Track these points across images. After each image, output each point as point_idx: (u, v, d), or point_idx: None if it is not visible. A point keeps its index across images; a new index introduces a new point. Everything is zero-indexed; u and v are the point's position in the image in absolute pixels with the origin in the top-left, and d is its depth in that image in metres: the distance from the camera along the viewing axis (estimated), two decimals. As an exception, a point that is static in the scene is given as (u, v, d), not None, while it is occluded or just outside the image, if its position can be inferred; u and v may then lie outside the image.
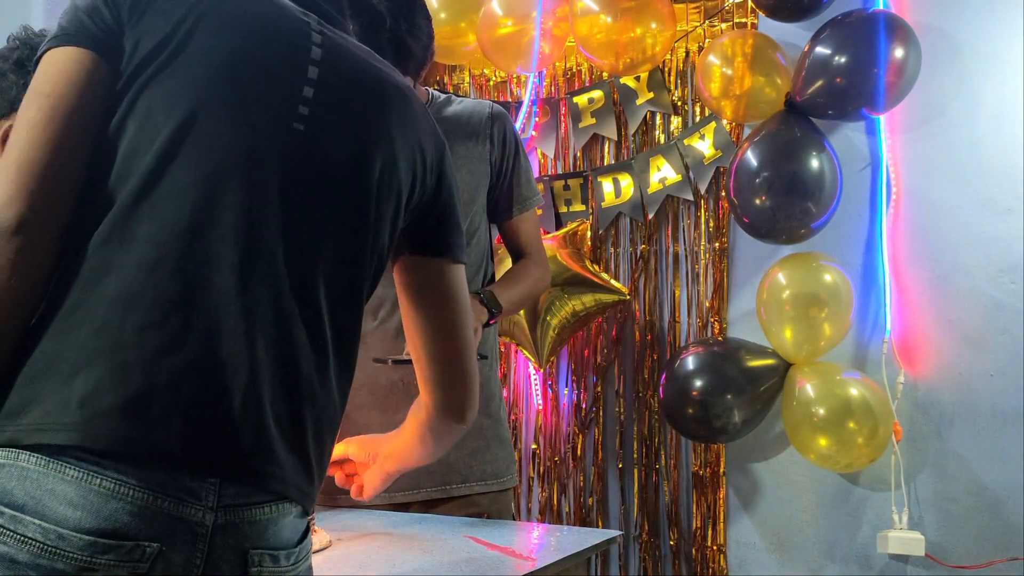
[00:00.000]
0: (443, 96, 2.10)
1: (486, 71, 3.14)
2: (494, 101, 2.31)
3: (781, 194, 2.58)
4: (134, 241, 0.98)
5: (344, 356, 1.13)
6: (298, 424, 1.05)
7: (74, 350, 0.95)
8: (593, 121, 3.00)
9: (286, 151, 1.06)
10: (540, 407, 3.05)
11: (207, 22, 1.06)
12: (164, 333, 0.97)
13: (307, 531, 1.10)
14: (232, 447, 0.99)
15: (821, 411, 2.55)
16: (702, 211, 2.92)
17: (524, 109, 2.98)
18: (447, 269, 1.27)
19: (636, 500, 2.98)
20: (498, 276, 2.16)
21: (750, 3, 2.81)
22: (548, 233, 2.91)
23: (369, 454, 1.52)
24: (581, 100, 3.01)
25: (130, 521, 0.92)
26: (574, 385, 3.04)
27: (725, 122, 2.85)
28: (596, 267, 2.92)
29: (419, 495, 2.04)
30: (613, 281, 2.88)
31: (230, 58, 1.06)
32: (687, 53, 2.94)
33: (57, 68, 1.02)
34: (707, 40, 2.87)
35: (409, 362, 1.86)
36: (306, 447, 1.06)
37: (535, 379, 3.03)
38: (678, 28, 2.82)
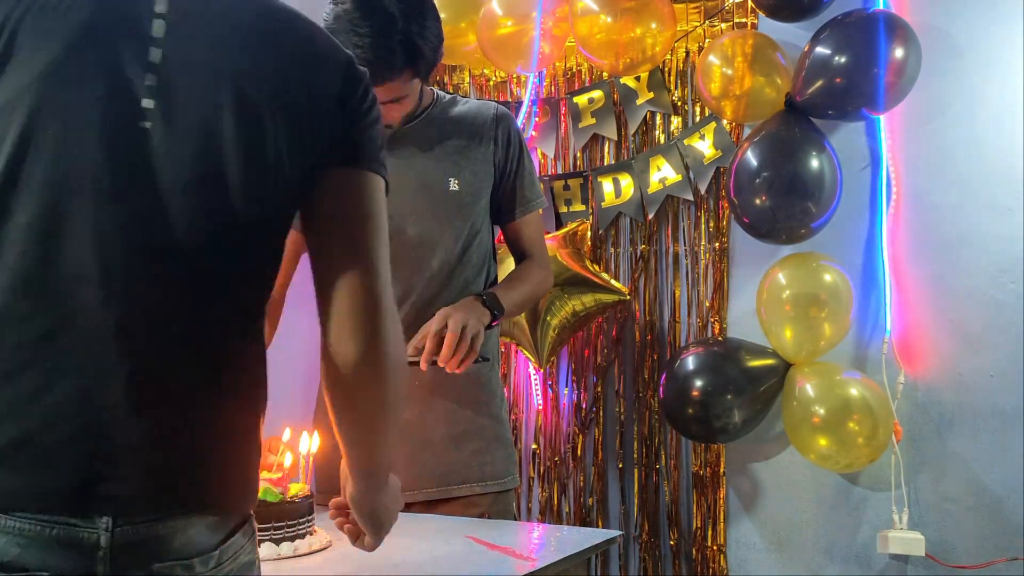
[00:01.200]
0: (448, 97, 2.10)
1: (486, 71, 3.14)
2: (496, 102, 2.31)
3: (781, 194, 2.58)
4: None
5: (236, 349, 1.07)
6: (188, 436, 1.00)
7: None
8: (593, 121, 3.00)
9: (131, 156, 0.97)
10: (540, 407, 3.04)
11: (29, 20, 0.97)
12: (31, 376, 0.94)
13: (235, 530, 1.06)
14: (119, 479, 0.95)
15: (821, 411, 2.55)
16: (702, 211, 2.92)
17: (524, 109, 2.98)
18: (363, 179, 1.12)
19: (636, 500, 2.98)
20: (500, 277, 2.17)
21: (750, 3, 2.81)
22: (548, 233, 2.90)
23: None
24: (581, 100, 3.00)
25: (20, 553, 0.91)
26: (574, 385, 3.04)
27: (725, 122, 2.85)
28: (596, 267, 2.92)
29: (420, 495, 2.04)
30: (613, 281, 2.88)
31: (60, 60, 0.97)
32: (687, 53, 2.93)
33: None
34: (707, 40, 2.87)
35: (413, 364, 1.87)
36: (202, 456, 1.02)
37: (535, 379, 3.03)
38: (678, 28, 2.82)
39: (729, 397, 2.64)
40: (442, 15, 2.81)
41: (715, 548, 2.88)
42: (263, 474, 1.72)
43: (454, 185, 2.01)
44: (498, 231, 2.19)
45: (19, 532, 0.91)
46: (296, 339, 2.13)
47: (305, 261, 2.14)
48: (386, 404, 1.15)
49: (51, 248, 0.95)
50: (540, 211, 2.15)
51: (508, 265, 2.23)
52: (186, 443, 1.00)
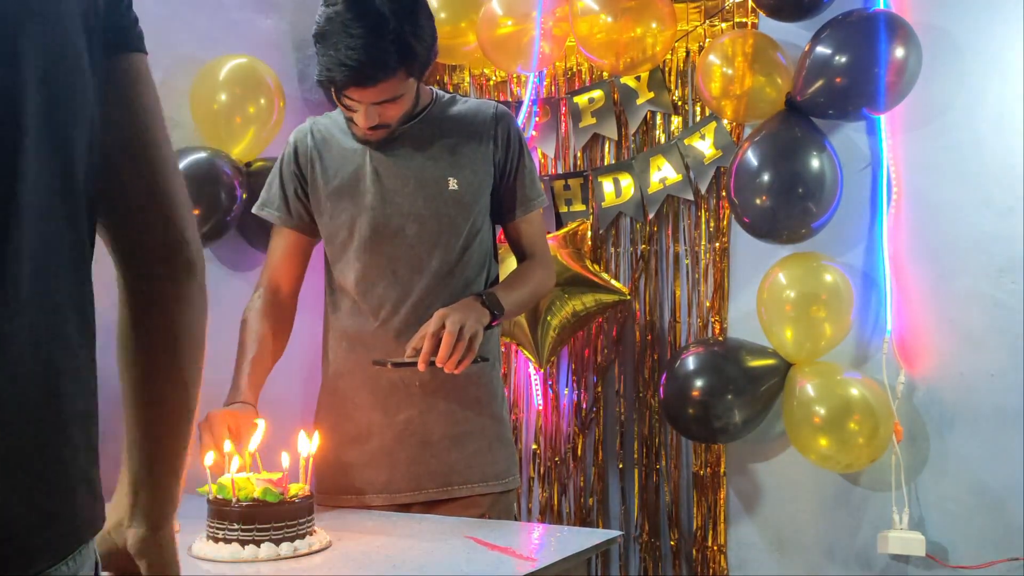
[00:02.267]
0: (447, 96, 2.10)
1: (486, 71, 3.14)
2: (496, 102, 2.31)
3: (781, 194, 2.58)
4: None
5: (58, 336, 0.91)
6: (31, 470, 0.86)
7: None
8: (593, 121, 3.00)
9: None
10: (540, 407, 3.04)
11: None
12: None
13: (97, 561, 0.96)
14: None
15: (821, 411, 2.55)
16: (702, 211, 2.92)
17: (524, 109, 2.98)
18: (132, 61, 1.02)
19: (636, 500, 2.98)
20: (502, 277, 2.17)
21: (750, 3, 2.81)
22: (548, 233, 2.90)
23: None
24: (581, 100, 3.00)
25: None
26: (574, 385, 3.04)
27: (725, 122, 2.85)
28: (596, 267, 2.92)
29: (420, 496, 2.04)
30: (613, 281, 2.88)
31: None
32: (687, 53, 2.93)
33: None
34: (707, 40, 2.87)
35: (411, 364, 1.87)
36: (55, 483, 0.88)
37: (535, 379, 3.03)
38: (678, 28, 2.82)
39: (729, 397, 2.64)
40: (442, 15, 2.84)
41: (715, 548, 2.88)
42: (261, 475, 1.73)
43: (453, 184, 2.01)
44: (499, 230, 2.19)
45: None
46: (296, 340, 2.13)
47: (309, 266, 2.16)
48: (202, 340, 1.03)
49: None
50: (541, 210, 2.15)
51: (510, 264, 2.23)
52: (36, 476, 0.88)
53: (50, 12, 0.90)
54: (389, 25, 1.81)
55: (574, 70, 3.07)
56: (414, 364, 1.86)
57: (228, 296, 2.24)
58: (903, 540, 2.59)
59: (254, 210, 2.12)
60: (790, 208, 2.58)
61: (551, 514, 3.05)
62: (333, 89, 1.88)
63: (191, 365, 1.04)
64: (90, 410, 0.94)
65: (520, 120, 2.93)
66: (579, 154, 3.04)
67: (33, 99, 0.88)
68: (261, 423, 1.80)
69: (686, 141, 2.90)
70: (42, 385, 0.87)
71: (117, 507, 1.05)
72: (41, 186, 0.88)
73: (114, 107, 0.99)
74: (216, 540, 1.64)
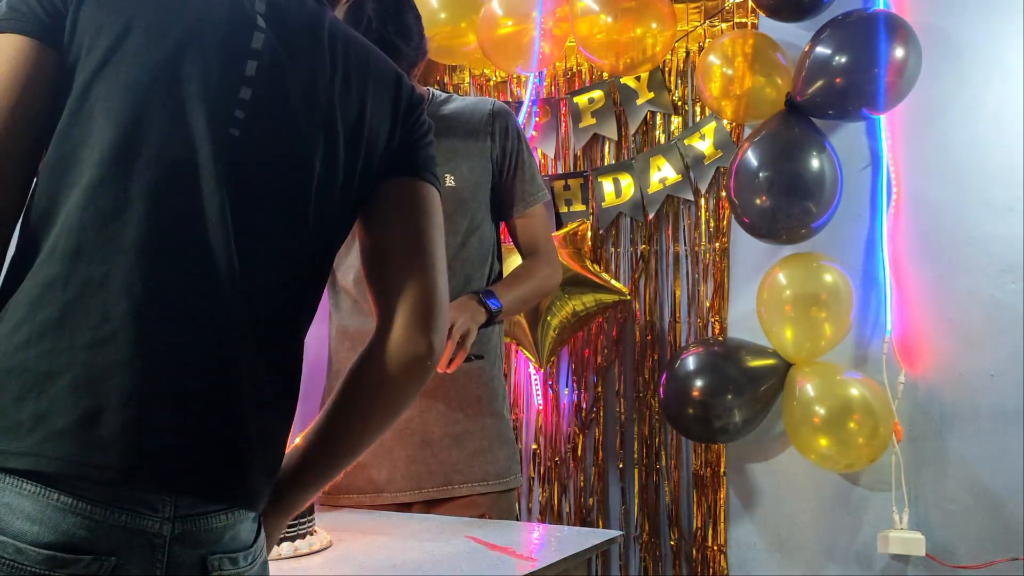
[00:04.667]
0: (443, 95, 2.10)
1: (486, 71, 3.14)
2: (494, 99, 2.30)
3: (781, 194, 2.58)
4: (80, 258, 0.96)
5: (284, 353, 1.11)
6: (247, 431, 1.03)
7: (23, 368, 0.94)
8: (593, 121, 3.00)
9: (222, 161, 1.02)
10: (540, 407, 3.04)
11: (144, 14, 1.02)
12: (113, 350, 0.95)
13: (260, 529, 1.09)
14: (185, 462, 0.98)
15: (821, 411, 2.55)
16: (702, 211, 2.92)
17: (524, 109, 2.98)
18: (422, 189, 1.20)
19: (636, 500, 2.98)
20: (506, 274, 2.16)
21: (750, 3, 2.81)
22: (548, 233, 2.91)
23: None
24: (581, 100, 3.00)
25: (87, 535, 0.92)
26: (574, 385, 3.04)
27: (725, 122, 2.85)
28: (596, 267, 2.92)
29: (421, 495, 2.03)
30: (613, 281, 2.88)
31: (166, 61, 1.01)
32: (687, 53, 2.93)
33: (2, 57, 0.98)
34: (707, 40, 2.87)
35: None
36: (256, 453, 1.04)
37: (535, 379, 3.03)
38: (678, 28, 2.82)
39: (729, 397, 2.64)
40: (442, 15, 2.84)
41: (715, 548, 2.88)
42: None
43: (451, 180, 2.01)
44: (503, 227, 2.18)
45: (89, 515, 0.92)
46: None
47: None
48: (402, 409, 1.19)
49: (148, 235, 0.98)
50: (543, 205, 2.13)
51: (514, 262, 2.22)
52: (249, 440, 1.03)
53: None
54: (372, 26, 1.80)
55: (574, 70, 3.07)
56: None
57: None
58: (903, 540, 2.59)
59: None
60: (790, 208, 2.58)
61: (551, 514, 3.05)
62: None
63: (381, 427, 1.20)
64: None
65: (520, 120, 2.93)
66: (579, 154, 3.04)
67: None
68: None
69: (686, 141, 2.90)
70: None
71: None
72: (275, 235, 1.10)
73: (396, 219, 1.18)
74: (216, 540, 1.64)
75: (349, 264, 2.03)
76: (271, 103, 1.06)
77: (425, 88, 2.08)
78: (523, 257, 2.15)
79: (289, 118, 1.07)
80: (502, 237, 2.18)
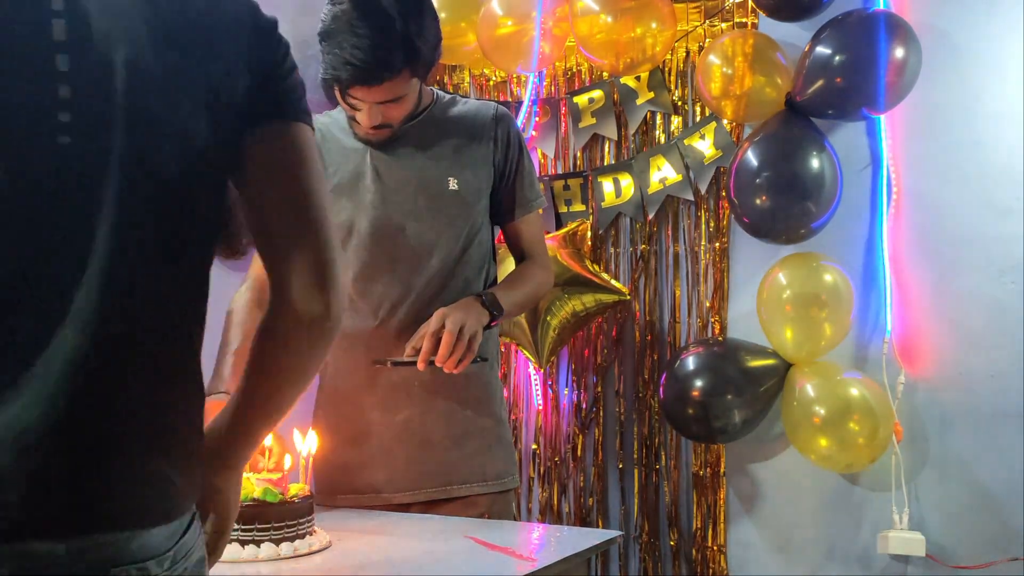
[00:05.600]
0: (448, 97, 2.10)
1: (486, 71, 3.14)
2: (496, 102, 2.31)
3: (781, 194, 2.58)
4: None
5: (179, 349, 1.04)
6: (134, 446, 0.97)
7: None
8: (593, 121, 3.00)
9: (52, 175, 0.93)
10: (540, 407, 3.04)
11: None
12: None
13: (187, 528, 1.05)
14: (73, 502, 0.93)
15: (821, 411, 2.55)
16: (702, 211, 2.92)
17: (524, 109, 2.98)
18: (292, 132, 1.10)
19: (636, 500, 2.97)
20: (500, 277, 2.17)
21: (750, 3, 2.81)
22: (548, 233, 2.90)
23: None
24: (581, 100, 3.00)
25: None
26: (574, 385, 3.03)
27: (725, 122, 2.85)
28: (596, 267, 2.92)
29: (420, 495, 2.04)
30: (613, 281, 2.88)
31: None
32: (687, 53, 2.93)
33: None
34: (707, 40, 2.87)
35: (410, 363, 1.87)
36: (156, 468, 0.99)
37: (535, 379, 3.03)
38: (678, 28, 2.82)
39: (729, 397, 2.64)
40: (442, 15, 2.82)
41: (715, 548, 2.88)
42: (262, 475, 1.72)
43: (454, 184, 2.01)
44: (498, 231, 2.19)
45: None
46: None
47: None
48: (313, 369, 1.15)
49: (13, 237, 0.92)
50: (540, 211, 2.15)
51: (508, 265, 2.23)
52: (140, 455, 0.98)
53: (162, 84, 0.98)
54: (395, 25, 1.81)
55: (574, 70, 3.07)
56: (414, 363, 1.86)
57: (227, 294, 2.23)
58: (903, 540, 2.59)
59: None
60: (790, 208, 2.58)
61: (551, 514, 3.05)
62: (337, 88, 1.88)
63: (292, 391, 1.15)
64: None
65: (520, 120, 2.93)
66: (579, 154, 3.04)
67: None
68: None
69: (686, 141, 2.90)
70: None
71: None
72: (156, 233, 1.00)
73: (264, 173, 1.09)
74: (216, 540, 1.64)
75: (346, 263, 2.02)
76: (98, 95, 0.95)
77: (429, 89, 2.08)
78: (517, 261, 2.15)
79: (119, 113, 0.96)
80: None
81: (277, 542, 1.63)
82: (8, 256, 0.92)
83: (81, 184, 0.94)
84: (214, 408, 1.79)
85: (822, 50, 2.56)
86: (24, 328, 0.92)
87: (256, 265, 2.08)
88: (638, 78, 2.93)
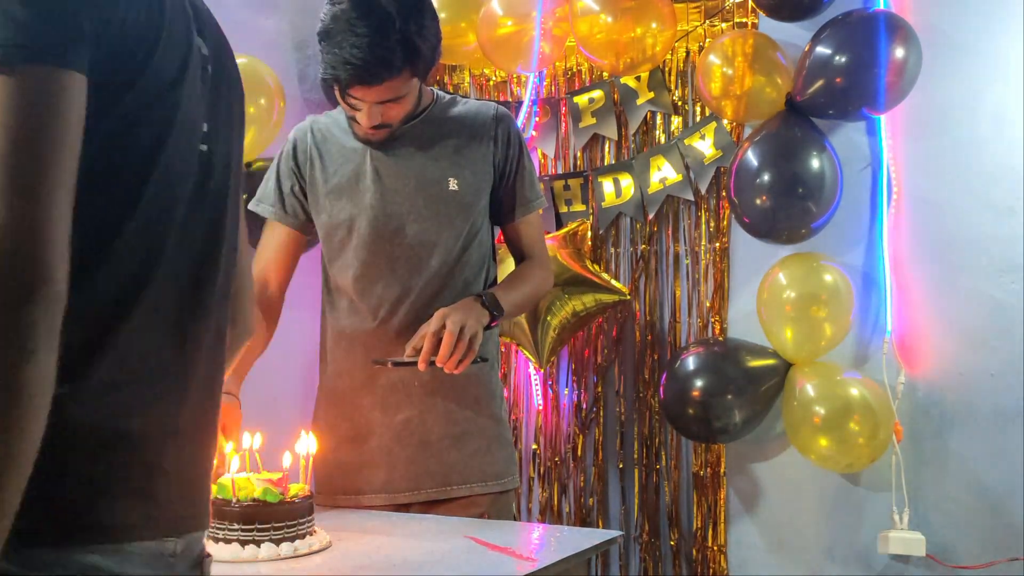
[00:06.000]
0: (448, 97, 2.10)
1: (486, 71, 3.14)
2: (496, 102, 2.31)
3: (781, 194, 2.58)
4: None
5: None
6: (209, 456, 1.13)
7: None
8: (593, 121, 3.00)
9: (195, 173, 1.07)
10: (540, 407, 3.04)
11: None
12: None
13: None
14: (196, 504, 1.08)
15: (821, 411, 2.55)
16: (702, 211, 2.92)
17: (524, 109, 2.97)
18: None
19: (636, 500, 2.97)
20: (500, 277, 2.17)
21: (750, 3, 2.81)
22: (548, 233, 2.90)
23: None
24: (581, 100, 3.00)
25: (122, 565, 0.98)
26: (574, 385, 3.03)
27: (725, 122, 2.85)
28: (596, 267, 2.92)
29: (420, 495, 2.04)
30: (613, 281, 2.88)
31: (177, 79, 1.03)
32: (687, 53, 2.93)
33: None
34: (707, 40, 2.87)
35: (411, 364, 1.87)
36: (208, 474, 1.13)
37: (535, 379, 3.03)
38: (678, 28, 2.82)
39: (729, 397, 2.64)
40: (442, 15, 2.83)
41: (715, 548, 2.88)
42: (261, 475, 1.73)
43: (454, 185, 2.01)
44: (498, 231, 2.19)
45: (131, 552, 0.98)
46: (295, 339, 2.13)
47: (303, 261, 2.16)
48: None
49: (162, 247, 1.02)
50: (540, 211, 2.15)
51: (508, 265, 2.23)
52: (208, 463, 1.12)
53: None
54: (395, 24, 1.81)
55: (574, 70, 3.07)
56: (414, 364, 1.86)
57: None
58: (903, 540, 2.59)
59: (249, 206, 2.11)
60: (790, 208, 2.58)
61: (551, 514, 3.05)
62: (337, 88, 1.88)
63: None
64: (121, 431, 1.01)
65: (520, 120, 2.93)
66: (579, 154, 3.04)
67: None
68: (258, 436, 1.79)
69: (686, 141, 2.90)
70: None
71: None
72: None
73: None
74: (216, 540, 1.64)
75: (346, 262, 2.03)
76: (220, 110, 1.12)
77: (429, 89, 2.08)
78: (517, 261, 2.15)
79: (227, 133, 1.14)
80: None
81: (277, 542, 1.63)
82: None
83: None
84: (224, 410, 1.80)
85: (822, 50, 2.56)
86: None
87: (256, 267, 2.08)
88: (638, 78, 2.93)
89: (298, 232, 2.09)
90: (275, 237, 2.08)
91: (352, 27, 1.80)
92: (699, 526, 2.90)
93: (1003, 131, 2.59)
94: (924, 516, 2.66)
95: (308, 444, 1.79)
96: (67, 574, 0.91)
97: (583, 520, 3.01)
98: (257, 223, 2.18)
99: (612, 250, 3.01)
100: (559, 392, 3.04)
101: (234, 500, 1.63)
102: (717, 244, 2.89)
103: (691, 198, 2.90)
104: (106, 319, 0.94)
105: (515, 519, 2.22)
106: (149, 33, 0.96)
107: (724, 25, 2.87)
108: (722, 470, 2.88)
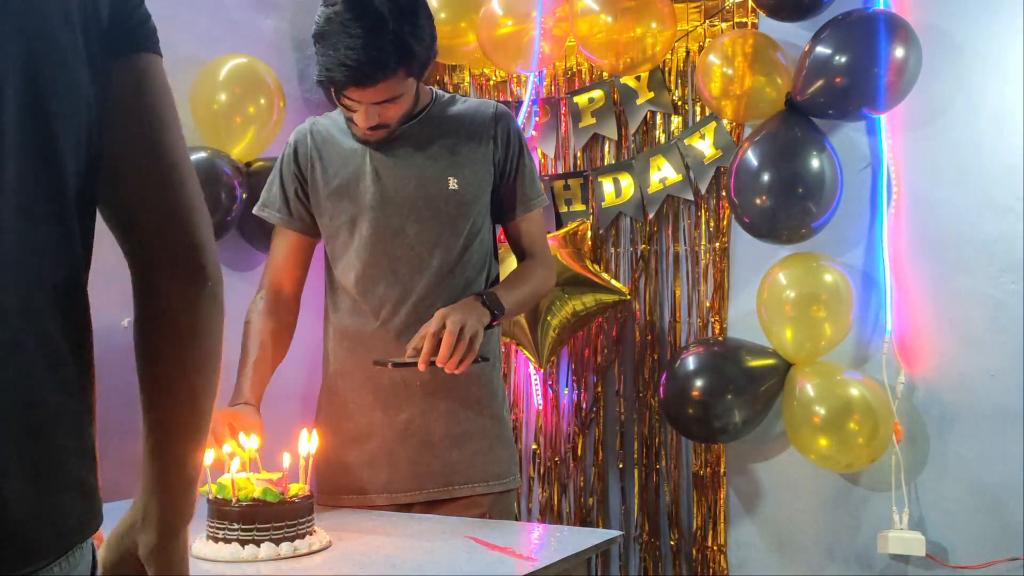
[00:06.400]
0: (447, 96, 2.10)
1: (486, 71, 3.14)
2: (496, 101, 2.30)
3: (781, 194, 2.58)
4: None
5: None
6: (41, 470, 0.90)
7: None
8: (593, 121, 3.00)
9: None
10: (540, 407, 3.04)
11: None
12: None
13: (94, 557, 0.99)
14: None
15: (821, 411, 2.55)
16: (702, 211, 2.92)
17: (524, 109, 2.98)
18: (139, 62, 0.99)
19: (636, 500, 2.97)
20: (503, 276, 2.17)
21: (750, 3, 2.81)
22: (548, 233, 2.90)
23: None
24: (581, 100, 3.00)
25: None
26: (574, 385, 3.04)
27: (725, 122, 2.85)
28: (596, 267, 2.92)
29: (422, 495, 2.04)
30: (613, 281, 2.88)
31: None
32: (687, 53, 2.93)
33: None
34: (707, 40, 2.87)
35: (411, 364, 1.87)
36: (42, 487, 0.90)
37: (535, 379, 3.03)
38: (678, 28, 2.82)
39: (729, 397, 2.64)
40: (442, 15, 2.84)
41: (715, 548, 2.88)
42: (261, 475, 1.73)
43: (454, 184, 2.01)
44: (499, 230, 2.19)
45: None
46: (297, 339, 2.13)
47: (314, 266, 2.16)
48: (211, 344, 1.02)
49: None
50: (541, 209, 2.15)
51: (510, 264, 2.22)
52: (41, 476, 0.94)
53: (28, 6, 0.89)
54: (388, 25, 1.81)
55: (574, 70, 3.07)
56: (415, 364, 1.86)
57: (228, 296, 2.23)
58: (903, 540, 2.59)
59: (255, 211, 2.12)
60: (790, 208, 2.58)
61: (551, 514, 3.05)
62: (333, 89, 1.88)
63: (200, 377, 1.01)
64: (80, 414, 0.94)
65: (520, 120, 2.93)
66: (579, 154, 3.04)
67: (11, 94, 0.87)
68: (254, 439, 1.79)
69: (686, 141, 2.90)
70: (21, 392, 0.88)
71: (133, 510, 1.04)
72: (20, 185, 0.87)
73: (119, 110, 0.97)
74: (216, 540, 1.64)
75: (348, 263, 2.03)
76: None
77: (428, 88, 2.08)
78: (519, 260, 2.15)
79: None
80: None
81: (277, 542, 1.63)
82: None
83: None
84: (226, 417, 1.78)
85: (822, 50, 2.56)
86: None
87: (268, 274, 2.09)
88: (638, 78, 2.93)
89: (306, 235, 2.10)
90: (284, 242, 2.09)
91: (346, 28, 1.80)
92: (699, 526, 2.90)
93: (1003, 131, 2.59)
94: (924, 516, 2.66)
95: (308, 444, 1.79)
96: None
97: (583, 520, 3.01)
98: (264, 227, 2.19)
99: (612, 250, 3.01)
100: (559, 392, 3.05)
101: (234, 500, 1.63)
102: (717, 244, 2.89)
103: (691, 198, 2.90)
104: None
105: (516, 519, 2.22)
106: None
107: (724, 25, 2.87)
108: (722, 470, 2.88)
